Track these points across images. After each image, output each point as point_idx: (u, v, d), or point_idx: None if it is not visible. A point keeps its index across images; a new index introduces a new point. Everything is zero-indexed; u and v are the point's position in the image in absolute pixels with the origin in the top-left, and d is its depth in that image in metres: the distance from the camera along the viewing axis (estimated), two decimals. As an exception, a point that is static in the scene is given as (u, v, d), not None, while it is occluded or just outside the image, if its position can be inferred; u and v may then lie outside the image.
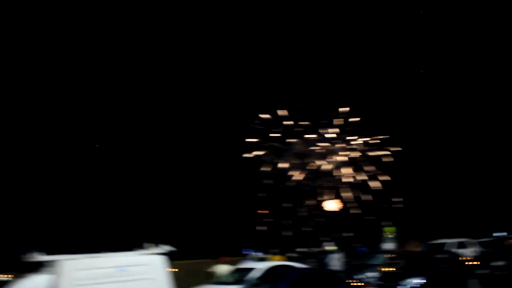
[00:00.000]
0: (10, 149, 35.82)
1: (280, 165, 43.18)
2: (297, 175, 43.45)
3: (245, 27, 43.80)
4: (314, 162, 43.82)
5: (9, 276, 18.26)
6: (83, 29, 38.83)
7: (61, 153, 38.21)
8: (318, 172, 43.81)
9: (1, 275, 20.74)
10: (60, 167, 37.64)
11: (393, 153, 41.87)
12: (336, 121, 42.79)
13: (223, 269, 16.52)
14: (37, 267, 8.81)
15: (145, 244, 9.27)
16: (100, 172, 38.61)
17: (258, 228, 39.89)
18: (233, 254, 20.33)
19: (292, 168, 43.51)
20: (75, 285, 8.25)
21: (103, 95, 39.80)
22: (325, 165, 43.72)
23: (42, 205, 35.24)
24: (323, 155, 43.93)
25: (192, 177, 40.21)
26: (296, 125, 43.45)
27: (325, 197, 43.00)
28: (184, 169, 40.51)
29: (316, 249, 32.97)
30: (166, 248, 9.42)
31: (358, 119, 41.90)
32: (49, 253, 8.16)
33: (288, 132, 43.62)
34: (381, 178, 42.33)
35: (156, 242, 9.55)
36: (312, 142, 43.71)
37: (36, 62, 35.95)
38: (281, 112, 43.20)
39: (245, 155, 41.89)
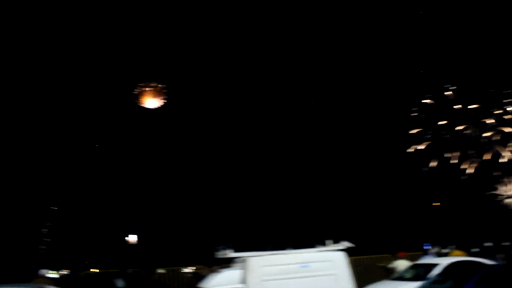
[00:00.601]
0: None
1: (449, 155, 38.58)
2: (471, 166, 38.53)
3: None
4: (492, 150, 38.09)
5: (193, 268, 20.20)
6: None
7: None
8: (497, 161, 38.04)
9: (191, 268, 23.40)
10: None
11: None
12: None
13: (403, 264, 15.64)
14: (228, 263, 9.53)
15: (326, 241, 9.23)
16: (279, 171, 39.64)
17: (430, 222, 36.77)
18: (410, 249, 19.12)
19: (464, 158, 38.74)
20: (262, 280, 8.67)
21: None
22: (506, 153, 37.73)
23: (233, 206, 37.95)
24: (502, 142, 38.00)
25: (364, 172, 38.74)
26: (465, 109, 38.14)
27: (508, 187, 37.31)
28: (355, 165, 39.18)
29: (507, 243, 29.04)
30: (346, 244, 9.28)
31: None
32: (239, 250, 8.73)
33: (457, 117, 38.67)
34: None
35: (336, 238, 9.47)
36: (488, 127, 38.11)
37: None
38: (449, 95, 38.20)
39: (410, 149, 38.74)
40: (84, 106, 39.99)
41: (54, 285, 13.33)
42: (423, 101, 39.09)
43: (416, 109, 39.35)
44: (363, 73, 40.56)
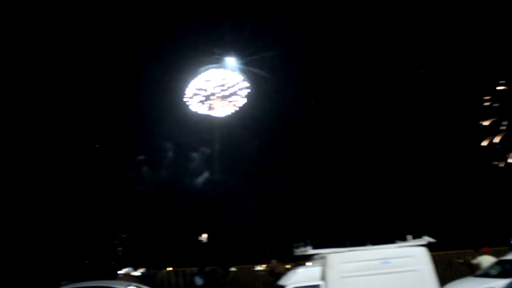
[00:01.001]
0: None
1: None
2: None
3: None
4: None
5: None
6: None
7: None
8: None
9: (263, 265, 23.64)
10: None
11: None
12: None
13: (487, 260, 14.77)
14: (304, 260, 9.58)
15: (407, 236, 8.99)
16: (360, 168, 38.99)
17: None
18: (495, 244, 17.99)
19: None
20: (342, 277, 8.62)
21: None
22: None
23: (309, 202, 38.00)
24: None
25: (443, 166, 36.78)
26: None
27: None
28: (434, 159, 37.29)
29: None
30: (428, 239, 8.98)
31: None
32: (318, 246, 8.75)
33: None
34: None
35: (416, 233, 9.20)
36: None
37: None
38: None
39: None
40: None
41: (138, 282, 14.06)
42: (497, 88, 36.15)
43: (489, 97, 36.46)
44: (431, 61, 38.68)
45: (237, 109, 40.62)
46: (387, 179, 37.62)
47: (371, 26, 38.11)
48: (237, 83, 39.84)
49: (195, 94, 40.06)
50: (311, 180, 39.97)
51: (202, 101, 40.29)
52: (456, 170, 35.48)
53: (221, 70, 39.70)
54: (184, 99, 39.69)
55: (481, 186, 34.64)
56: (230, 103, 40.60)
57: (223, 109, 40.85)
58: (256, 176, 41.50)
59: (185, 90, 39.59)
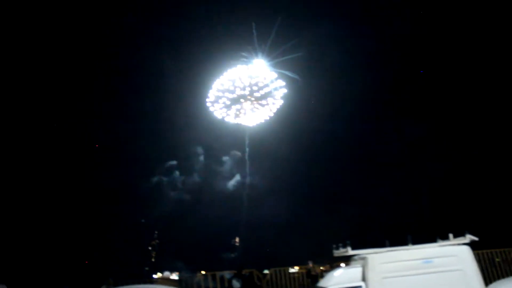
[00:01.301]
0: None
1: None
2: None
3: None
4: None
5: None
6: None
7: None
8: None
9: (296, 267, 23.53)
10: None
11: None
12: None
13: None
14: (346, 261, 9.50)
15: (450, 235, 8.78)
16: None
17: None
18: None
19: None
20: (383, 277, 8.49)
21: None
22: None
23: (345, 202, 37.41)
24: None
25: (484, 163, 35.35)
26: None
27: None
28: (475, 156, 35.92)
29: None
30: (471, 237, 8.74)
31: None
32: (355, 247, 8.67)
33: None
34: None
35: (457, 231, 8.97)
36: None
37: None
38: None
39: None
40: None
41: (177, 286, 14.25)
42: None
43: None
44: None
45: (272, 114, 38.58)
46: (425, 176, 36.71)
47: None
48: (271, 82, 37.40)
49: (219, 97, 38.25)
50: (346, 180, 39.37)
51: (227, 106, 38.48)
52: (498, 166, 34.30)
53: (250, 67, 37.22)
54: (207, 104, 38.33)
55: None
56: (263, 106, 38.21)
57: (254, 115, 38.50)
58: (290, 178, 41.10)
59: (208, 93, 38.09)
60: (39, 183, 35.50)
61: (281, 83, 37.44)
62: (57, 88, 37.41)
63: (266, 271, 22.16)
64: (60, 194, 36.35)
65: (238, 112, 38.84)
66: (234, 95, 37.74)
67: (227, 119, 39.10)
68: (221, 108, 38.65)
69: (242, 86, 37.62)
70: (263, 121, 39.00)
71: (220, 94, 38.02)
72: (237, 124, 39.39)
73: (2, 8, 32.09)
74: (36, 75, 36.06)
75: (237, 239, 41.37)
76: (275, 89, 37.72)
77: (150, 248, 43.87)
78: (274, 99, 38.15)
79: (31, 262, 32.24)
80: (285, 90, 37.58)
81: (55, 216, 35.27)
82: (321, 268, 15.86)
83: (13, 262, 30.60)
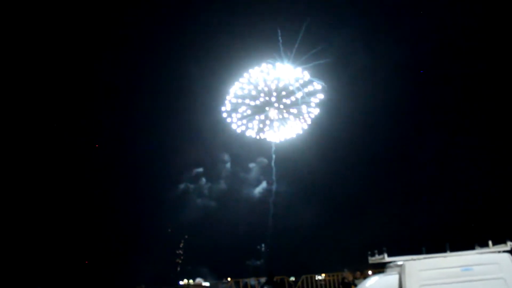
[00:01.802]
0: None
1: None
2: None
3: None
4: None
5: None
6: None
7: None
8: None
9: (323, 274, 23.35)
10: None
11: None
12: None
13: None
14: (382, 268, 9.38)
15: (489, 242, 8.58)
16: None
17: None
18: None
19: None
20: (421, 285, 8.32)
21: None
22: None
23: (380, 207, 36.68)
24: None
25: None
26: None
27: None
28: None
29: None
30: (512, 244, 8.51)
31: None
32: (391, 254, 8.55)
33: None
34: None
35: (497, 238, 8.76)
36: None
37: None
38: None
39: None
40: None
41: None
42: None
43: None
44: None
45: (306, 126, 34.87)
46: (461, 180, 35.74)
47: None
48: (303, 87, 33.40)
49: (238, 105, 34.39)
50: (379, 187, 38.56)
51: (248, 116, 34.71)
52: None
53: (277, 67, 33.54)
54: (223, 115, 34.89)
55: None
56: (297, 119, 34.14)
57: (282, 128, 34.51)
58: (319, 183, 40.46)
59: (224, 101, 34.60)
60: (70, 192, 36.43)
61: (318, 86, 33.87)
62: (93, 106, 38.48)
63: (292, 278, 22.10)
64: (91, 203, 37.20)
65: (262, 125, 35.40)
66: (257, 102, 34.51)
67: (248, 133, 35.81)
68: (239, 119, 35.30)
69: (267, 90, 34.01)
70: (294, 135, 35.78)
71: (239, 101, 34.65)
72: (261, 139, 36.69)
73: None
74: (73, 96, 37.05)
75: (263, 246, 41.26)
76: (309, 94, 34.15)
77: (177, 254, 44.32)
78: (309, 107, 34.53)
79: (63, 267, 33.15)
80: (322, 96, 34.24)
81: (84, 224, 36.10)
82: (356, 275, 15.68)
83: (49, 267, 31.64)
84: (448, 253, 8.50)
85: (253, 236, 41.37)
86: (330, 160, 38.66)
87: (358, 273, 15.71)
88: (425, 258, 8.43)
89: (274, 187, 42.00)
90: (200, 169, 44.84)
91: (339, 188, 39.43)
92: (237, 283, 20.23)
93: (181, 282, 35.18)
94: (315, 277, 21.82)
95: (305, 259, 36.21)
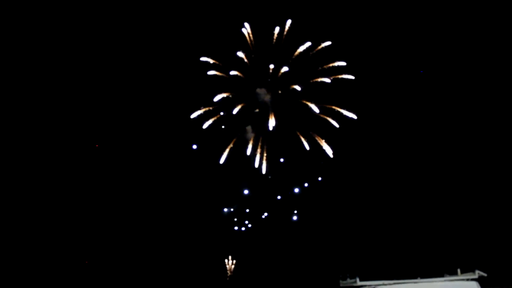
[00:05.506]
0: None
1: None
2: None
3: None
4: None
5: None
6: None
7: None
8: None
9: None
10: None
11: None
12: None
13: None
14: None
15: (458, 270, 8.72)
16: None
17: None
18: None
19: None
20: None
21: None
22: None
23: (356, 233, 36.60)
24: None
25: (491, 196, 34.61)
26: None
27: None
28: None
29: None
30: (479, 273, 8.65)
31: None
32: (364, 277, 8.57)
33: None
34: None
35: (465, 266, 8.88)
36: None
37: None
38: None
39: None
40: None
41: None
42: None
43: None
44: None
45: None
46: (432, 208, 36.17)
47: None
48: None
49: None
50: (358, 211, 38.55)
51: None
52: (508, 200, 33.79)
53: None
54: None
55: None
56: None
57: None
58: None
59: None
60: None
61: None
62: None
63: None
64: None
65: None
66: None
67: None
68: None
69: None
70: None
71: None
72: None
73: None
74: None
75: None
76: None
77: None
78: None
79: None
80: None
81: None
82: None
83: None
84: (419, 279, 8.58)
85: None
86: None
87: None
88: (395, 283, 8.49)
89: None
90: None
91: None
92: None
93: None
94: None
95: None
